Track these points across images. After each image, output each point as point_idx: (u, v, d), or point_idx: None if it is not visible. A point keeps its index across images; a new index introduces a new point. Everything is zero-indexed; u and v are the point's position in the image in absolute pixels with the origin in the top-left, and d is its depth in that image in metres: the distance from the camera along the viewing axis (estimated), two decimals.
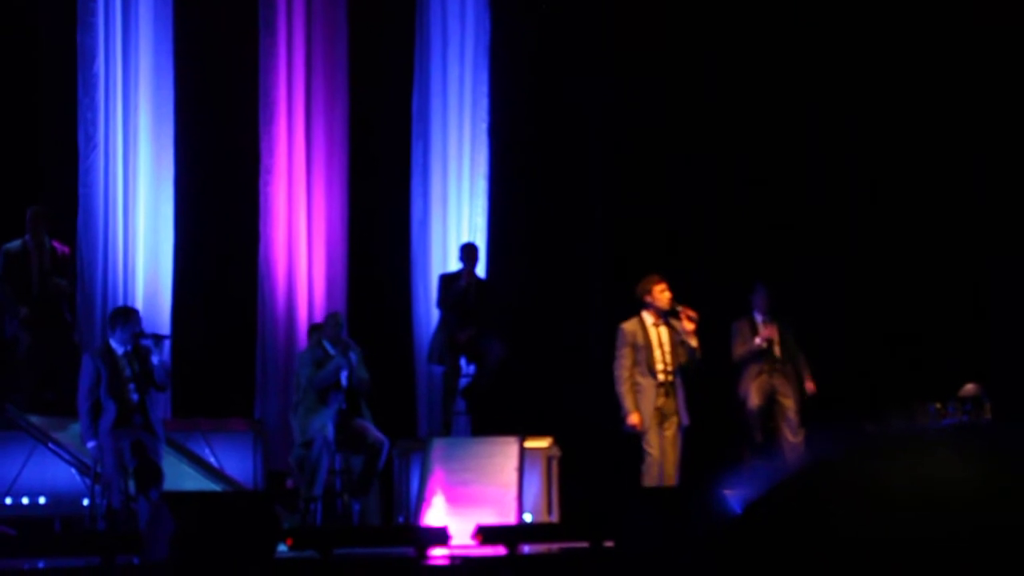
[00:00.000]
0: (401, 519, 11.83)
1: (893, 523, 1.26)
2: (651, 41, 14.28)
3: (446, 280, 12.85)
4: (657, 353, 11.09)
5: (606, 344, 11.47)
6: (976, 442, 1.36)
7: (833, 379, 12.66)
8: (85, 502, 10.56)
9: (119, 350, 10.34)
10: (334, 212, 13.75)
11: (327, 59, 13.85)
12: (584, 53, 14.35)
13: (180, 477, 10.88)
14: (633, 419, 10.98)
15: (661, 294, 11.14)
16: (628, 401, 11.02)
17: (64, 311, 11.88)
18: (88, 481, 10.46)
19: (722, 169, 14.20)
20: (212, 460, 11.71)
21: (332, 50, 13.87)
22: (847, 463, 1.33)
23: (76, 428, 10.51)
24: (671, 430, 11.09)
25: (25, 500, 11.10)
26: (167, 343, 11.71)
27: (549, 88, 14.30)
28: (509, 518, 11.18)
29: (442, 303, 12.76)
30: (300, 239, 13.57)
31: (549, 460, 11.95)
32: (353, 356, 11.26)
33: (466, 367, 12.78)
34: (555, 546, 10.36)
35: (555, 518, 11.80)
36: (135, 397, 10.25)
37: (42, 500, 11.15)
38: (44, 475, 11.12)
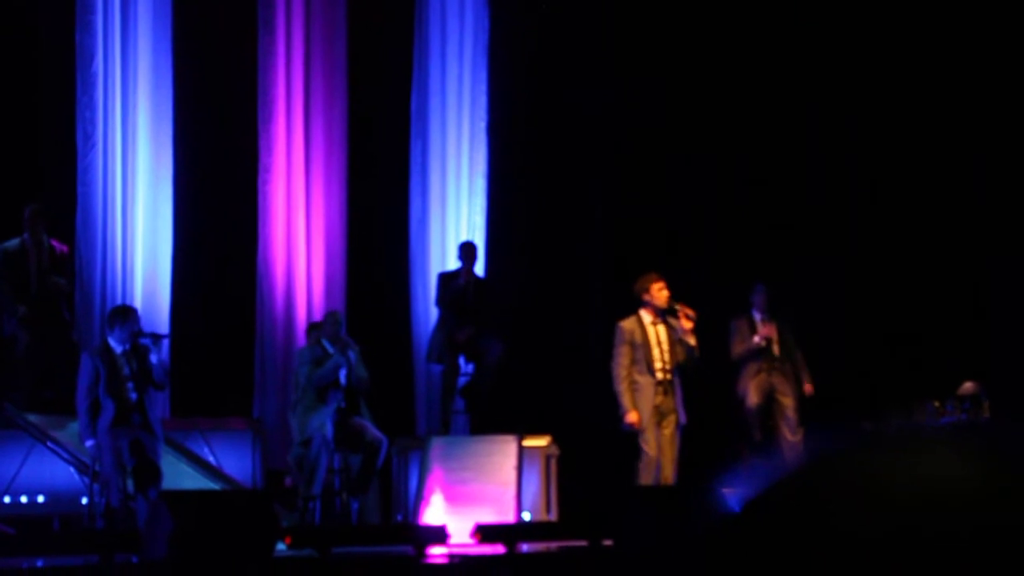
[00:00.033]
0: (400, 518, 11.83)
1: (892, 522, 1.26)
2: (651, 41, 14.28)
3: (445, 279, 12.85)
4: (655, 351, 11.09)
5: (605, 343, 11.48)
6: (975, 440, 1.36)
7: (833, 378, 12.66)
8: (84, 501, 10.55)
9: (118, 349, 10.34)
10: (333, 211, 13.75)
11: (326, 58, 13.84)
12: (583, 52, 14.35)
13: (179, 476, 10.87)
14: (631, 417, 10.98)
15: (659, 292, 11.14)
16: (626, 399, 11.01)
17: (63, 310, 11.88)
18: (87, 480, 10.46)
19: (722, 169, 14.20)
20: (211, 459, 11.71)
21: (331, 49, 13.87)
22: (846, 461, 1.33)
23: (75, 427, 10.50)
24: (669, 428, 11.09)
25: (24, 499, 11.10)
26: (165, 342, 11.70)
27: (548, 87, 14.30)
28: (508, 517, 11.18)
29: (441, 302, 12.75)
30: (299, 238, 13.57)
31: (548, 459, 11.95)
32: (352, 355, 11.26)
33: (465, 366, 12.78)
34: (554, 545, 10.36)
35: (554, 517, 11.80)
36: (133, 396, 10.25)
37: (41, 499, 11.14)
38: (43, 474, 11.12)
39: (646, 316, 11.16)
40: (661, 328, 11.15)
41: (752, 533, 1.31)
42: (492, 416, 12.42)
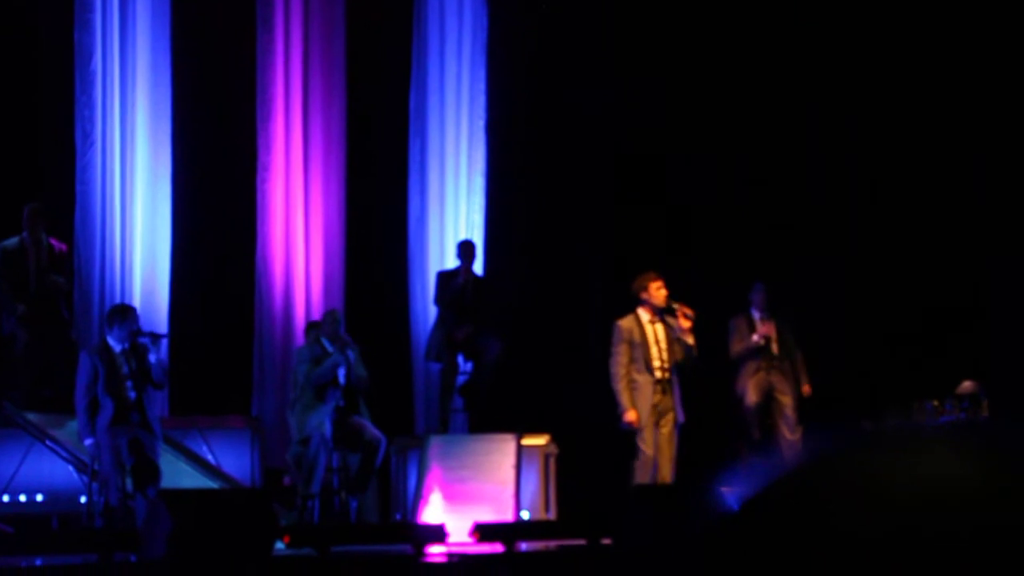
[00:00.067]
0: (398, 516, 11.83)
1: (890, 521, 1.25)
2: (651, 41, 14.27)
3: (443, 277, 12.85)
4: (654, 350, 11.09)
5: (604, 341, 11.47)
6: (973, 440, 1.36)
7: (833, 378, 12.67)
8: (83, 500, 10.55)
9: (117, 348, 10.34)
10: (331, 209, 13.74)
11: (325, 56, 13.84)
12: (583, 51, 14.34)
13: (177, 475, 10.87)
14: (630, 416, 10.97)
15: (657, 291, 11.14)
16: (625, 398, 11.01)
17: (61, 308, 11.88)
18: (85, 479, 10.46)
19: (722, 169, 14.20)
20: (209, 458, 11.71)
21: (330, 47, 13.86)
22: (844, 460, 1.33)
23: (73, 425, 10.50)
24: (667, 427, 11.09)
25: (22, 498, 11.10)
26: (164, 342, 11.70)
27: (547, 86, 14.30)
28: (506, 515, 11.18)
29: (439, 300, 12.75)
30: (297, 236, 13.57)
31: (546, 457, 11.95)
32: (351, 354, 11.25)
33: (463, 364, 12.77)
34: (552, 543, 10.37)
35: (552, 515, 11.80)
36: (132, 395, 10.25)
37: (39, 498, 11.14)
38: (41, 473, 11.11)
39: (644, 315, 11.15)
40: (659, 327, 11.15)
41: (750, 532, 1.31)
42: (491, 415, 12.42)
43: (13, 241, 11.69)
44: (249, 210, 13.42)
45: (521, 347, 13.08)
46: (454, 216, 14.04)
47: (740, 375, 12.37)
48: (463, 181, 14.12)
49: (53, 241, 11.83)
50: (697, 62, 14.30)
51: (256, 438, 12.09)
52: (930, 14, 14.05)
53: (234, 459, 11.89)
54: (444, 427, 12.65)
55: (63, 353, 11.56)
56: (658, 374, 11.06)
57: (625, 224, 14.12)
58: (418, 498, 11.54)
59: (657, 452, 11.03)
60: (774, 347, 12.33)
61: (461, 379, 12.77)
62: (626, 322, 11.14)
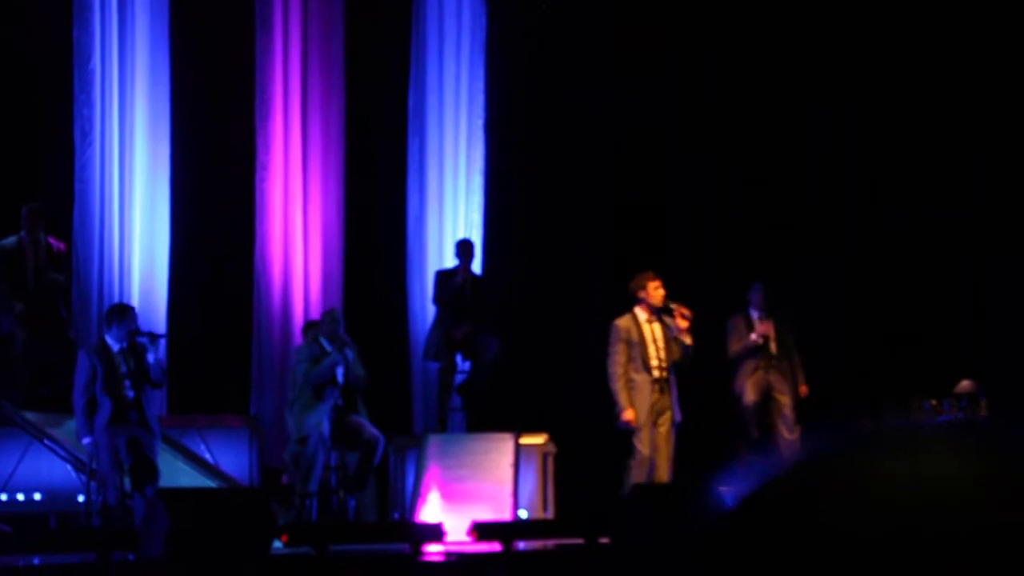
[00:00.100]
0: (397, 515, 11.83)
1: (888, 520, 1.26)
2: (651, 40, 14.27)
3: (442, 276, 12.85)
4: (651, 349, 11.09)
5: (602, 341, 11.47)
6: (972, 439, 1.36)
7: (831, 377, 12.67)
8: (81, 499, 10.55)
9: (115, 347, 10.34)
10: (330, 209, 13.74)
11: (323, 56, 13.84)
12: (581, 50, 14.34)
13: (176, 473, 10.87)
14: (628, 415, 10.97)
15: (655, 291, 11.14)
16: (623, 397, 11.01)
17: (60, 307, 11.88)
18: (84, 478, 10.46)
19: (722, 169, 14.21)
20: (208, 456, 11.71)
21: (328, 47, 13.86)
22: (842, 460, 1.33)
23: (72, 424, 10.50)
24: (665, 426, 11.09)
25: (20, 497, 11.10)
26: (163, 342, 11.70)
27: (546, 85, 14.30)
28: (504, 514, 11.18)
29: (438, 299, 12.75)
30: (296, 235, 13.57)
31: (545, 456, 11.95)
32: (349, 353, 11.25)
33: (462, 363, 12.77)
34: (550, 542, 10.37)
35: (550, 514, 11.80)
36: (131, 394, 10.25)
37: (37, 497, 11.14)
38: (40, 472, 11.11)
39: (641, 314, 11.15)
40: (656, 326, 11.15)
41: (747, 531, 1.31)
42: (489, 414, 12.42)
43: (11, 240, 11.69)
44: (248, 209, 13.42)
45: (519, 346, 13.08)
46: (453, 215, 14.05)
47: (738, 374, 12.37)
48: (462, 180, 14.12)
49: (51, 240, 11.83)
50: (697, 62, 14.30)
51: (254, 437, 12.09)
52: (930, 14, 14.05)
53: (232, 458, 11.89)
54: (442, 426, 12.65)
55: (61, 352, 11.55)
56: (656, 373, 11.06)
57: (625, 224, 14.12)
58: (416, 497, 11.55)
59: (654, 451, 11.03)
60: (772, 346, 12.33)
61: (459, 378, 12.77)
62: (623, 321, 11.14)
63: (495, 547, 9.72)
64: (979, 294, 13.97)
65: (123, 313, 10.54)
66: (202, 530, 8.38)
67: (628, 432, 11.03)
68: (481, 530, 9.92)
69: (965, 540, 1.25)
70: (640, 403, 10.99)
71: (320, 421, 11.02)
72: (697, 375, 11.42)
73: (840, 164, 14.45)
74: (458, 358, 12.75)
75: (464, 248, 12.86)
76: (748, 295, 12.47)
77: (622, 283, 11.59)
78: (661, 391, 11.07)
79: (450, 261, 13.12)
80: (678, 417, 11.12)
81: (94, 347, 10.47)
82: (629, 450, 11.03)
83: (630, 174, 14.21)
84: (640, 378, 11.03)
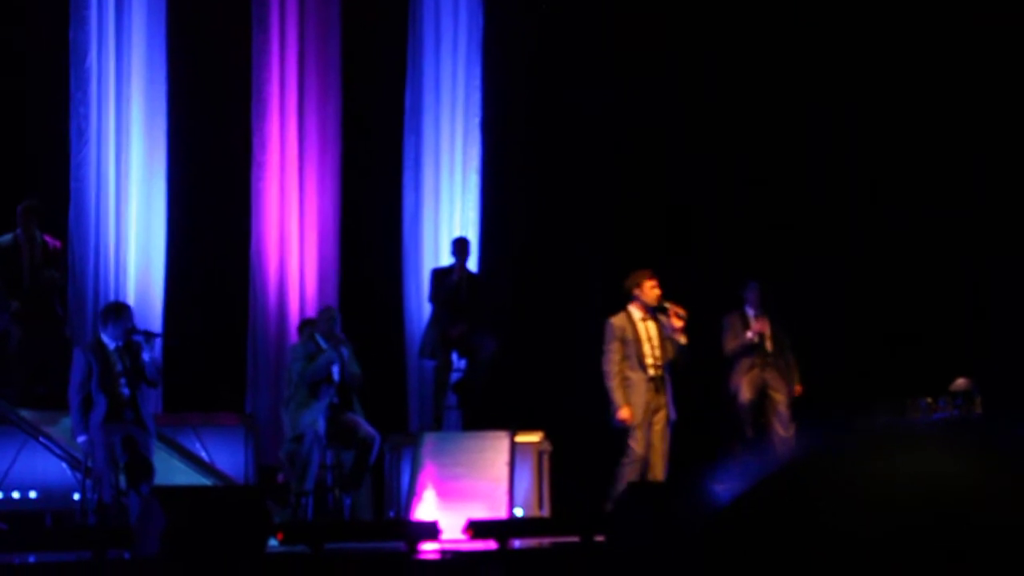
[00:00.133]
0: (392, 514, 11.83)
1: (882, 518, 1.26)
2: (650, 40, 14.27)
3: (438, 275, 12.85)
4: (646, 347, 11.08)
5: (597, 339, 11.46)
6: (966, 437, 1.36)
7: (827, 375, 12.67)
8: (76, 497, 10.55)
9: (111, 345, 10.33)
10: (326, 207, 13.74)
11: (320, 55, 13.84)
12: (579, 49, 14.34)
13: (171, 472, 10.87)
14: (623, 413, 10.96)
15: (651, 290, 11.12)
16: (618, 395, 11.00)
17: (55, 305, 11.87)
18: (79, 476, 10.45)
19: (722, 169, 14.21)
20: (203, 455, 11.70)
21: (325, 46, 13.86)
22: (836, 457, 1.33)
23: (67, 422, 10.49)
24: (659, 424, 11.08)
25: (16, 494, 11.09)
26: (158, 341, 11.69)
27: (543, 84, 14.30)
28: (500, 513, 11.18)
29: (434, 298, 12.75)
30: (292, 234, 13.57)
31: (540, 455, 11.95)
32: (345, 351, 11.25)
33: (457, 362, 12.78)
34: (546, 541, 10.36)
35: (546, 513, 11.80)
36: (126, 392, 10.24)
37: (33, 494, 11.13)
38: (35, 469, 11.11)
39: (636, 312, 11.14)
40: (651, 324, 11.14)
41: (742, 529, 1.31)
42: (485, 412, 12.42)
43: (7, 238, 11.69)
44: (244, 208, 13.42)
45: (515, 344, 13.08)
46: (449, 213, 14.05)
47: (734, 372, 12.38)
48: (458, 179, 14.12)
49: (47, 238, 11.83)
50: (697, 62, 14.30)
51: (250, 435, 12.09)
52: (929, 14, 14.05)
53: (228, 456, 11.89)
54: (438, 424, 12.65)
55: (57, 350, 11.55)
56: (651, 371, 11.05)
57: (624, 223, 14.12)
58: (411, 495, 11.54)
59: (649, 450, 11.01)
60: (768, 344, 12.34)
61: (455, 376, 12.77)
62: (618, 320, 11.13)
63: (491, 545, 9.71)
64: (978, 294, 13.97)
65: (119, 311, 10.53)
66: (197, 528, 8.38)
67: (623, 430, 11.02)
68: (477, 528, 9.91)
69: (959, 537, 1.25)
70: (635, 401, 10.98)
71: (316, 419, 11.02)
72: (692, 373, 11.42)
73: (840, 164, 14.45)
74: (454, 356, 12.76)
75: (460, 246, 12.86)
76: (744, 293, 12.47)
77: (618, 282, 11.59)
78: (656, 389, 11.06)
79: (446, 259, 13.12)
80: (673, 415, 11.11)
81: (90, 345, 10.46)
82: (623, 449, 11.01)
83: (629, 174, 14.21)
84: (635, 376, 11.02)
